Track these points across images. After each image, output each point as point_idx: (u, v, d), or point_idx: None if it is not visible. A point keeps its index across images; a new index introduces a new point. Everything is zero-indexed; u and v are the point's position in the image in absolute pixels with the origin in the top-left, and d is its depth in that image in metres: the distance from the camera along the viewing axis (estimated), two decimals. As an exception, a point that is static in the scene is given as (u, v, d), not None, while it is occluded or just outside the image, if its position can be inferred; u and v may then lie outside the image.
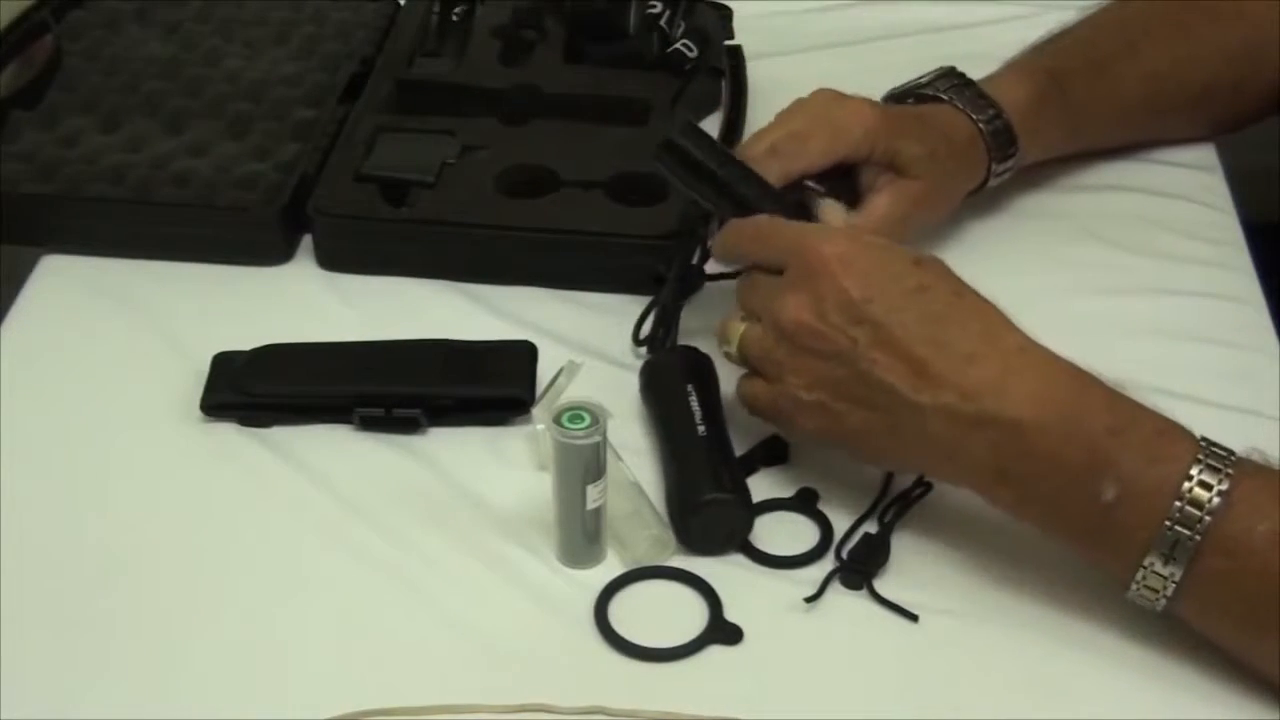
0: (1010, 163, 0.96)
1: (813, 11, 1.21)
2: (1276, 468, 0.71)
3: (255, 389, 0.86)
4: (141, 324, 0.93)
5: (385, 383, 0.86)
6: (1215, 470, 0.69)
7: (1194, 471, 0.69)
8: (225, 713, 0.71)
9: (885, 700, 0.72)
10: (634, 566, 0.77)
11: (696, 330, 0.89)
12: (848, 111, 0.90)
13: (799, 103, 0.91)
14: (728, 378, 0.85)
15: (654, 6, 1.08)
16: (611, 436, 0.75)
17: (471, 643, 0.75)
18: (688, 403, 0.83)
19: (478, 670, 0.73)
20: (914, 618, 0.75)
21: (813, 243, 0.77)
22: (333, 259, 0.98)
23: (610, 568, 0.78)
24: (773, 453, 0.83)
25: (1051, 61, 0.99)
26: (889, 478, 0.81)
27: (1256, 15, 1.01)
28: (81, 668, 0.74)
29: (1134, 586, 0.71)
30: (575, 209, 0.97)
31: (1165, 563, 0.69)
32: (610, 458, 0.76)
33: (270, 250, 0.98)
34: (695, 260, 0.92)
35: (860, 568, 0.77)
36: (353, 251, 0.97)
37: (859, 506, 0.80)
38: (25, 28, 1.11)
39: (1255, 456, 0.71)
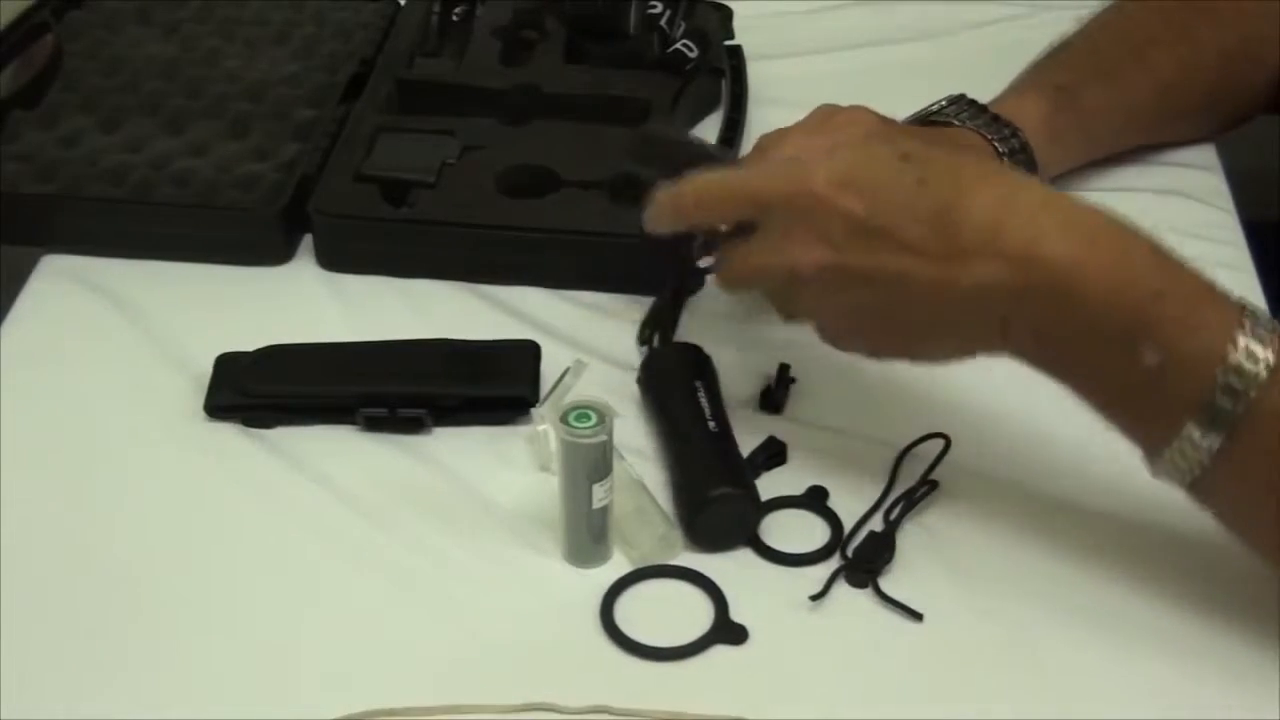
0: None
1: (814, 12, 1.22)
2: None
3: (259, 390, 0.86)
4: (141, 324, 0.93)
5: (389, 383, 0.86)
6: (1261, 340, 0.68)
7: (1239, 339, 0.68)
8: (229, 713, 0.71)
9: (890, 699, 0.72)
10: (640, 565, 0.77)
11: (696, 329, 0.90)
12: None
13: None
14: (721, 369, 0.86)
15: (654, 6, 1.08)
16: (615, 436, 0.75)
17: (476, 642, 0.75)
18: (696, 399, 0.83)
19: (482, 670, 0.73)
20: (919, 617, 0.75)
21: (795, 182, 0.74)
22: (333, 259, 0.98)
23: (616, 567, 0.78)
24: (772, 454, 0.83)
25: (1061, 77, 0.98)
26: (894, 476, 0.81)
27: (1254, 13, 1.01)
28: (83, 668, 0.73)
29: (1167, 455, 0.70)
30: (575, 209, 0.97)
31: (1204, 433, 0.68)
32: (614, 457, 0.76)
33: (270, 250, 0.98)
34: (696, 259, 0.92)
35: (865, 566, 0.77)
36: (353, 251, 0.97)
37: (864, 505, 0.80)
38: (25, 28, 1.11)
39: None
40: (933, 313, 0.73)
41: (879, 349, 0.78)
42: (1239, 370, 0.67)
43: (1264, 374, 0.67)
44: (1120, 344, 0.69)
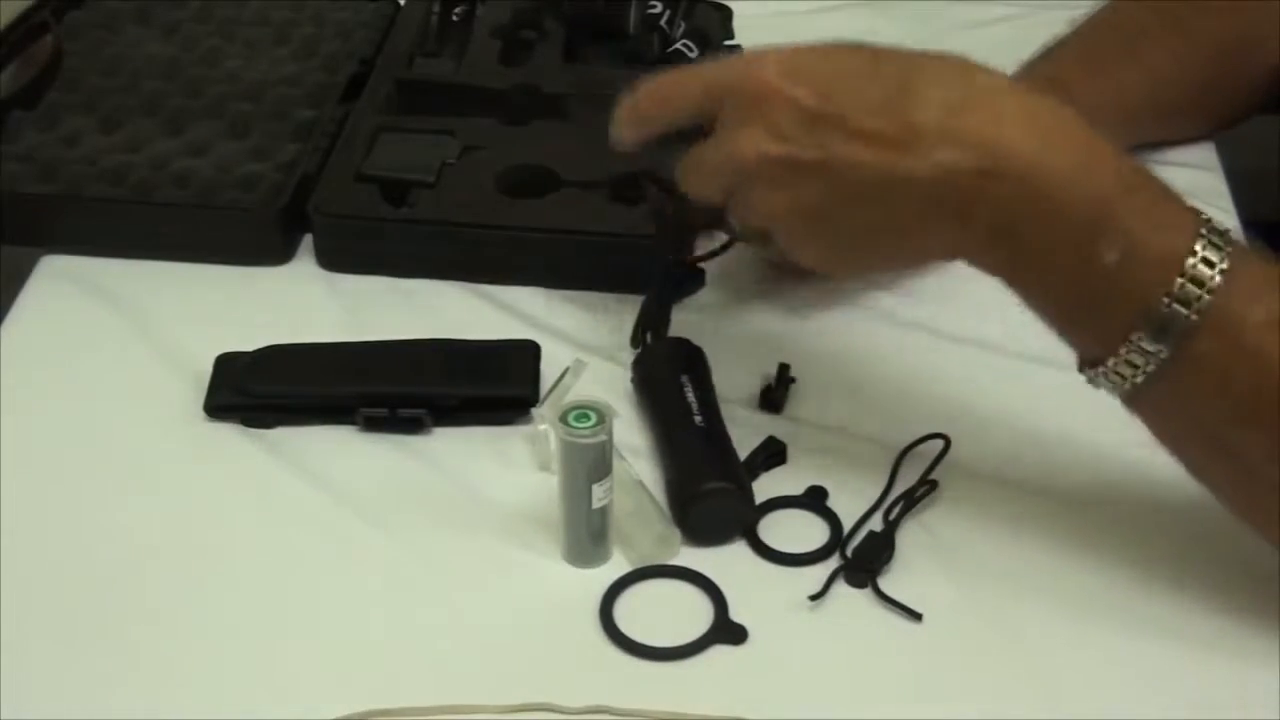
0: None
1: (813, 12, 1.22)
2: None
3: (258, 390, 0.86)
4: (141, 324, 0.93)
5: (389, 383, 0.86)
6: (1218, 248, 0.67)
7: (1198, 246, 0.67)
8: (229, 713, 0.71)
9: (889, 699, 0.72)
10: (640, 565, 0.77)
11: (696, 328, 0.89)
12: None
13: None
14: (720, 369, 0.86)
15: (654, 6, 1.08)
16: (614, 436, 0.75)
17: (475, 642, 0.75)
18: (683, 394, 0.83)
19: (481, 670, 0.73)
20: (918, 617, 0.75)
21: (745, 72, 0.73)
22: (333, 259, 0.98)
23: (616, 566, 0.78)
24: (772, 454, 0.83)
25: (1052, 71, 0.98)
26: (893, 476, 0.81)
27: (1250, 10, 1.01)
28: (83, 668, 0.73)
29: (1111, 362, 0.69)
30: (575, 209, 0.97)
31: (1154, 338, 0.67)
32: (614, 456, 0.76)
33: (270, 250, 0.98)
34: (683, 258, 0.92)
35: (865, 566, 0.76)
36: (353, 251, 0.97)
37: (864, 505, 0.80)
38: (25, 28, 1.11)
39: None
40: (887, 207, 0.70)
41: (833, 256, 0.75)
42: (1195, 275, 0.66)
43: (1218, 281, 0.66)
44: (1081, 237, 0.67)
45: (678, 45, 1.07)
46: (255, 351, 0.87)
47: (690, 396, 0.83)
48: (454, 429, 0.85)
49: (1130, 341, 0.68)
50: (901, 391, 0.87)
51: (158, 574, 0.78)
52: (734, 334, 0.91)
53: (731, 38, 1.13)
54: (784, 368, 0.87)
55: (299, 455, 0.84)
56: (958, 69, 0.70)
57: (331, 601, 0.77)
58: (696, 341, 0.87)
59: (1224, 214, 1.00)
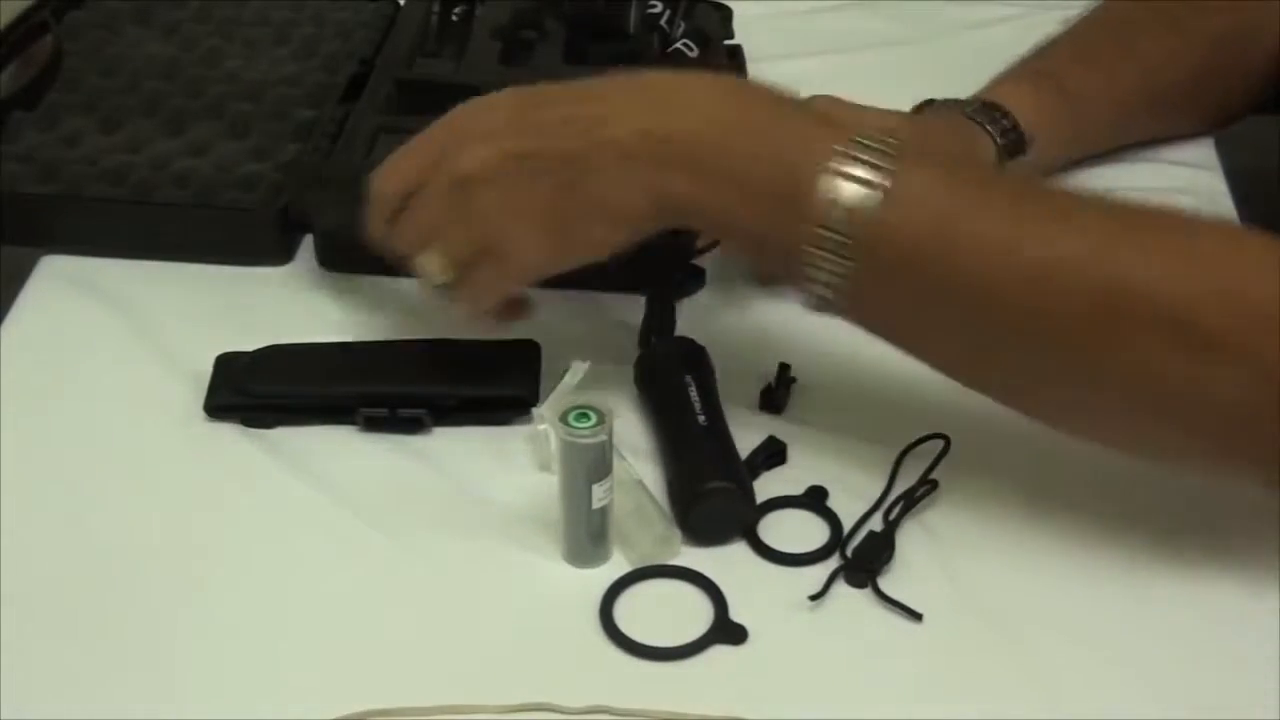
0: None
1: (813, 12, 1.22)
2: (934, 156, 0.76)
3: (258, 390, 0.86)
4: (141, 324, 0.93)
5: (389, 383, 0.86)
6: (875, 160, 0.71)
7: (864, 155, 0.72)
8: (228, 713, 0.71)
9: (889, 699, 0.72)
10: (640, 565, 0.77)
11: (699, 328, 0.90)
12: None
13: None
14: (721, 369, 0.86)
15: (654, 6, 1.08)
16: (614, 436, 0.75)
17: (475, 642, 0.75)
18: (687, 393, 0.83)
19: (481, 670, 0.73)
20: (918, 617, 0.75)
21: (451, 112, 0.81)
22: (333, 259, 0.98)
23: (616, 567, 0.78)
24: (772, 454, 0.83)
25: (1042, 65, 0.99)
26: (893, 476, 0.81)
27: (1248, 6, 1.01)
28: (83, 668, 0.73)
29: (813, 286, 0.74)
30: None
31: (832, 253, 0.72)
32: (614, 456, 0.76)
33: (270, 250, 0.98)
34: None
35: (865, 566, 0.77)
36: (353, 251, 0.97)
37: (864, 505, 0.80)
38: (25, 28, 1.11)
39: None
40: (597, 174, 0.76)
41: (561, 242, 0.79)
42: (854, 185, 0.71)
43: (878, 191, 0.71)
44: (758, 172, 0.73)
45: (678, 45, 1.07)
46: (255, 351, 0.87)
47: (694, 396, 0.83)
48: (454, 429, 0.85)
49: (818, 264, 0.73)
50: (901, 391, 0.87)
51: (158, 574, 0.78)
52: (734, 334, 0.91)
53: (731, 37, 1.13)
54: (784, 368, 0.87)
55: (299, 455, 0.84)
56: (635, 74, 0.78)
57: (331, 601, 0.77)
58: (701, 341, 0.87)
59: (1224, 214, 1.00)
